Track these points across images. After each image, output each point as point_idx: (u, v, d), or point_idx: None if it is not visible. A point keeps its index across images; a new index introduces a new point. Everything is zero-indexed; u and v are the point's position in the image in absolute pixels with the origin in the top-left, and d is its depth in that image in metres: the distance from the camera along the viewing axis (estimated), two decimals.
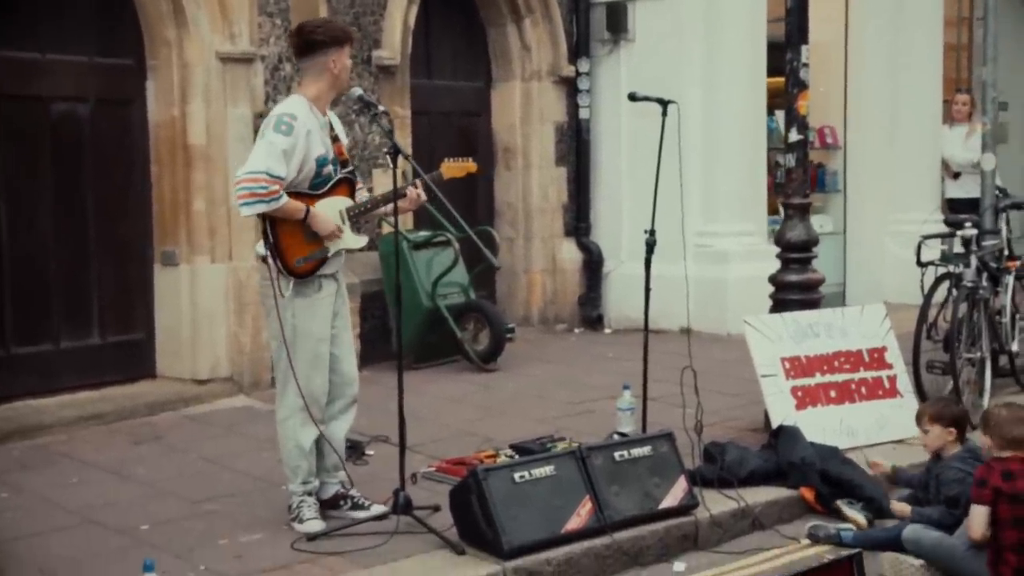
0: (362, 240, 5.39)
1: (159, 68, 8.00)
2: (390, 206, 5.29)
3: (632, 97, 6.24)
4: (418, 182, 5.32)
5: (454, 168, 5.49)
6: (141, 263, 8.10)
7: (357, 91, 5.22)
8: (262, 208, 4.94)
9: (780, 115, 11.28)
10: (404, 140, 9.19)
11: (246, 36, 8.06)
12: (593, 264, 10.85)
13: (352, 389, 5.43)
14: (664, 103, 6.04)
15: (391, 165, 5.06)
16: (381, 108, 5.24)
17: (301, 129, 5.00)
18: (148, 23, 7.97)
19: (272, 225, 5.04)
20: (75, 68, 7.73)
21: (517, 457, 5.93)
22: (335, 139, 5.25)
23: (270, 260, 5.04)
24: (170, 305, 8.09)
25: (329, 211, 5.14)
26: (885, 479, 5.86)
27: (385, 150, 5.22)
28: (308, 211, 5.04)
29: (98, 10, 7.85)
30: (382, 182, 9.08)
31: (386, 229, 8.65)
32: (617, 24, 10.54)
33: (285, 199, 4.96)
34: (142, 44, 8.01)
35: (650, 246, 6.16)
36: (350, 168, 5.31)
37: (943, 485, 5.29)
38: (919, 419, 5.56)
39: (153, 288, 8.15)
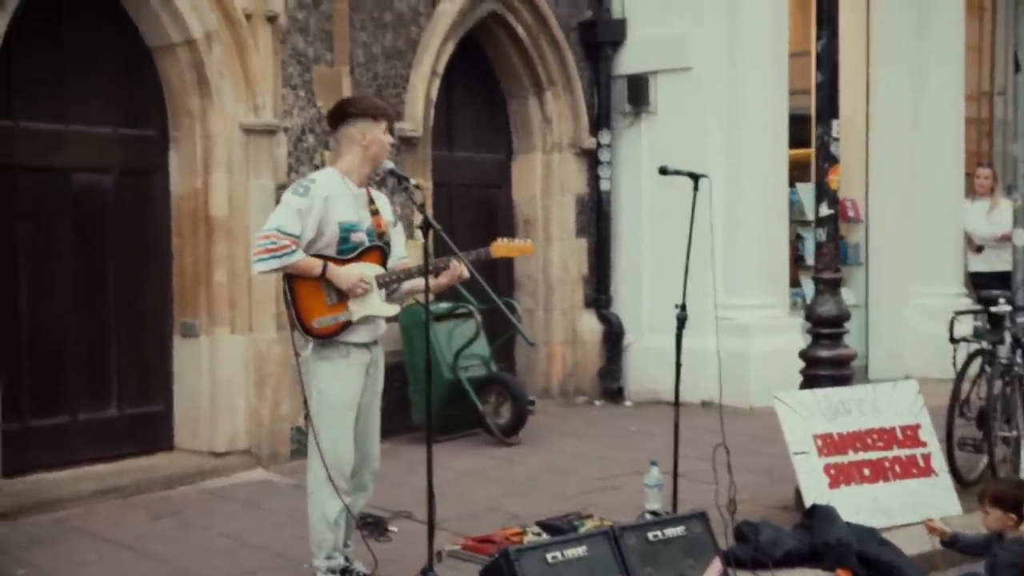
0: (393, 308, 5.29)
1: (182, 139, 7.99)
2: (421, 283, 5.20)
3: (663, 171, 6.18)
4: (461, 255, 5.23)
5: (506, 247, 5.35)
6: (161, 334, 8.03)
7: (389, 164, 5.21)
8: (274, 263, 4.92)
9: (802, 187, 11.33)
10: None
11: (270, 108, 8.06)
12: (613, 336, 10.77)
13: (372, 466, 5.37)
14: (695, 177, 5.98)
15: (423, 239, 4.99)
16: (412, 182, 5.22)
17: (319, 192, 5.01)
18: (172, 94, 7.97)
19: (291, 284, 5.01)
20: (99, 139, 7.72)
21: (545, 535, 5.81)
22: (375, 212, 5.21)
23: (289, 317, 5.01)
24: (189, 376, 8.01)
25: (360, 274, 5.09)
26: (942, 544, 5.68)
27: (418, 224, 5.19)
28: (326, 267, 4.99)
29: (122, 81, 7.86)
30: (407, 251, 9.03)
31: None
32: (639, 96, 10.56)
33: (299, 255, 4.94)
34: (165, 115, 8.02)
35: (681, 321, 6.06)
36: (386, 239, 5.26)
37: (999, 569, 5.14)
38: (980, 498, 5.42)
39: (172, 359, 8.06)
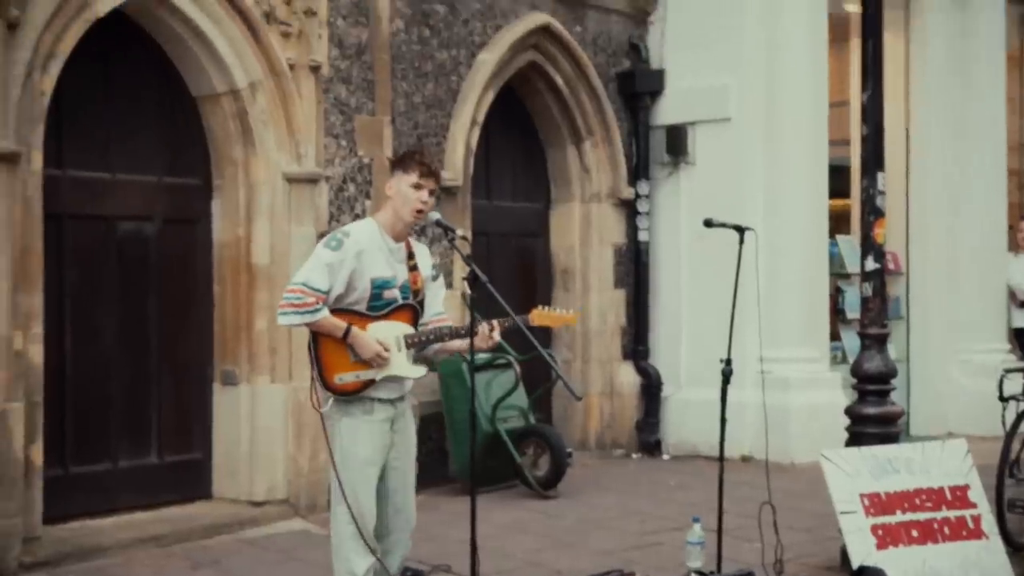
0: (419, 371, 5.10)
1: (225, 187, 8.04)
2: (453, 344, 5.11)
3: (708, 223, 6.15)
4: (495, 322, 5.12)
5: (548, 317, 5.15)
6: (201, 382, 8.04)
7: (435, 215, 5.09)
8: (297, 320, 4.83)
9: (842, 239, 11.27)
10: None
11: (312, 157, 8.10)
12: (652, 388, 10.69)
13: (409, 522, 5.20)
14: (741, 230, 5.94)
15: (469, 291, 4.91)
16: (459, 232, 5.14)
17: (352, 247, 4.88)
18: (216, 143, 8.03)
19: (315, 338, 4.92)
20: (143, 188, 7.79)
21: None
22: (413, 268, 5.11)
23: (312, 370, 4.91)
24: (228, 425, 8.00)
25: (386, 334, 4.95)
26: None
27: (463, 276, 5.09)
28: (349, 330, 4.86)
29: (167, 131, 7.93)
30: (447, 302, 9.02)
31: None
32: (677, 147, 10.55)
33: (323, 314, 4.82)
34: (209, 164, 8.08)
35: (727, 376, 5.99)
36: (420, 298, 5.09)
37: None
38: None
39: (212, 407, 8.07)
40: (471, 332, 4.94)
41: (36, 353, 6.75)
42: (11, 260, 6.56)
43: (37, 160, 6.80)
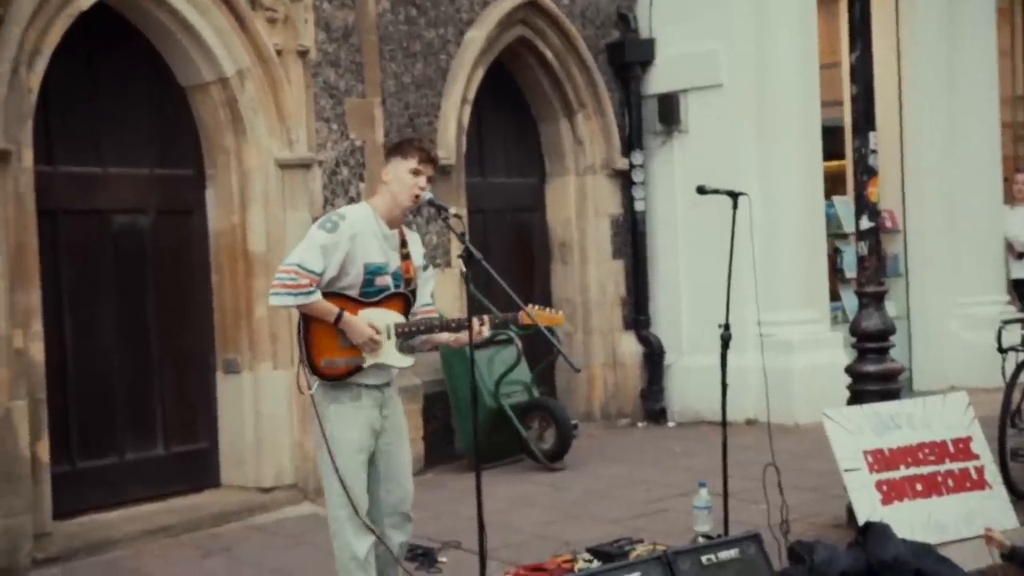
0: (407, 360, 5.08)
1: (218, 176, 8.04)
2: (441, 337, 5.11)
3: (701, 190, 6.15)
4: (485, 317, 5.11)
5: (538, 315, 5.05)
6: (203, 372, 8.06)
7: (428, 195, 5.06)
8: (290, 301, 4.79)
9: (838, 200, 11.27)
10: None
11: (304, 142, 8.10)
12: (654, 357, 10.72)
13: (406, 506, 5.15)
14: (735, 195, 5.95)
15: (463, 269, 4.90)
16: (452, 210, 5.10)
17: (347, 229, 4.85)
18: (207, 133, 8.03)
19: (307, 321, 4.88)
20: (136, 180, 7.78)
21: (596, 562, 5.76)
22: (406, 256, 5.10)
23: (300, 353, 4.88)
24: (233, 413, 8.03)
25: (377, 321, 4.93)
26: (1001, 558, 5.60)
27: (458, 254, 5.06)
28: (340, 315, 4.83)
29: (157, 122, 7.93)
30: (440, 281, 9.03)
31: None
32: (670, 116, 10.54)
33: (316, 297, 4.79)
34: (201, 154, 8.07)
35: (725, 341, 6.01)
36: (412, 287, 5.09)
37: None
38: None
39: (216, 396, 8.10)
40: (464, 323, 4.91)
41: (37, 350, 6.77)
42: (7, 258, 6.57)
43: (28, 157, 6.79)
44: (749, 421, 9.51)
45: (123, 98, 7.74)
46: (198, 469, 8.00)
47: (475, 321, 4.94)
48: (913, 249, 11.70)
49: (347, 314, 4.85)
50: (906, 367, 11.30)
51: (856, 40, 6.70)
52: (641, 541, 6.20)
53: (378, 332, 4.90)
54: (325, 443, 4.90)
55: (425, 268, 5.17)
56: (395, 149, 5.12)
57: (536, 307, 5.08)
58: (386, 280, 4.99)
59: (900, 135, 11.66)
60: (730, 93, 10.31)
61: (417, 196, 4.97)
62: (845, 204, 11.11)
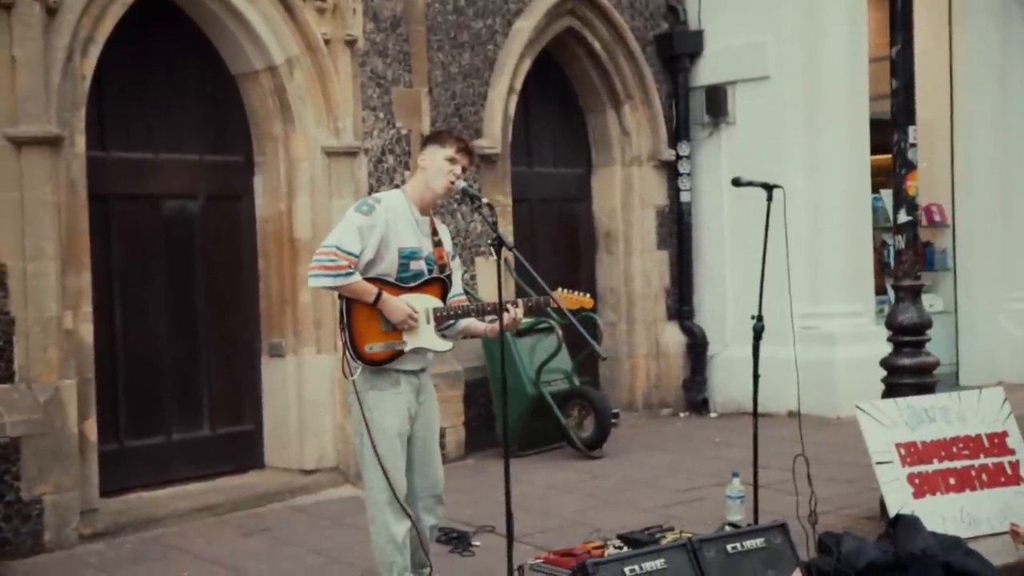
0: (446, 344, 5.19)
1: (266, 163, 8.19)
2: (477, 327, 5.23)
3: (736, 182, 6.17)
4: (520, 301, 5.20)
5: (567, 299, 5.19)
6: (249, 355, 8.23)
7: (461, 184, 5.16)
8: (328, 282, 4.87)
9: (885, 193, 11.21)
10: (505, 228, 9.27)
11: (350, 130, 8.22)
12: (697, 348, 10.76)
13: (437, 490, 5.28)
14: (769, 187, 5.96)
15: (494, 256, 4.98)
16: (484, 200, 5.19)
17: (383, 213, 4.96)
18: (256, 120, 8.18)
19: (348, 306, 4.97)
20: (186, 166, 7.95)
21: (626, 549, 5.82)
22: (438, 243, 5.21)
23: (342, 338, 4.97)
24: (277, 396, 8.19)
25: (416, 304, 5.03)
26: None
27: (489, 241, 5.13)
28: (379, 295, 4.92)
29: (208, 110, 8.09)
30: (484, 269, 9.16)
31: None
32: (717, 107, 10.55)
33: (355, 277, 4.87)
34: (250, 141, 8.23)
35: (758, 332, 6.04)
36: (447, 272, 5.20)
37: None
38: None
39: (261, 379, 8.26)
40: (499, 292, 4.99)
41: (87, 332, 6.96)
42: (59, 242, 6.76)
43: (80, 143, 6.97)
44: (791, 413, 9.46)
45: (175, 85, 7.90)
46: (242, 450, 8.17)
47: (509, 305, 5.04)
48: (962, 243, 11.61)
49: (385, 293, 4.95)
50: (953, 362, 11.38)
51: (897, 34, 6.70)
52: (672, 529, 6.24)
53: (415, 311, 5.00)
54: (366, 429, 5.01)
55: (453, 258, 5.27)
56: (433, 137, 5.25)
57: (565, 291, 5.18)
58: (420, 265, 5.10)
59: (951, 129, 11.58)
60: (778, 85, 10.31)
61: (451, 183, 5.07)
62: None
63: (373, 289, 4.93)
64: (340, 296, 5.01)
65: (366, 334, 4.98)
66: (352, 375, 5.00)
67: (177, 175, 7.90)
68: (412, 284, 5.07)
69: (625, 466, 8.46)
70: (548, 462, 8.63)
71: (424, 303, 5.07)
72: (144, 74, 7.74)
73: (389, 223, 4.99)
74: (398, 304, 4.96)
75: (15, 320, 6.61)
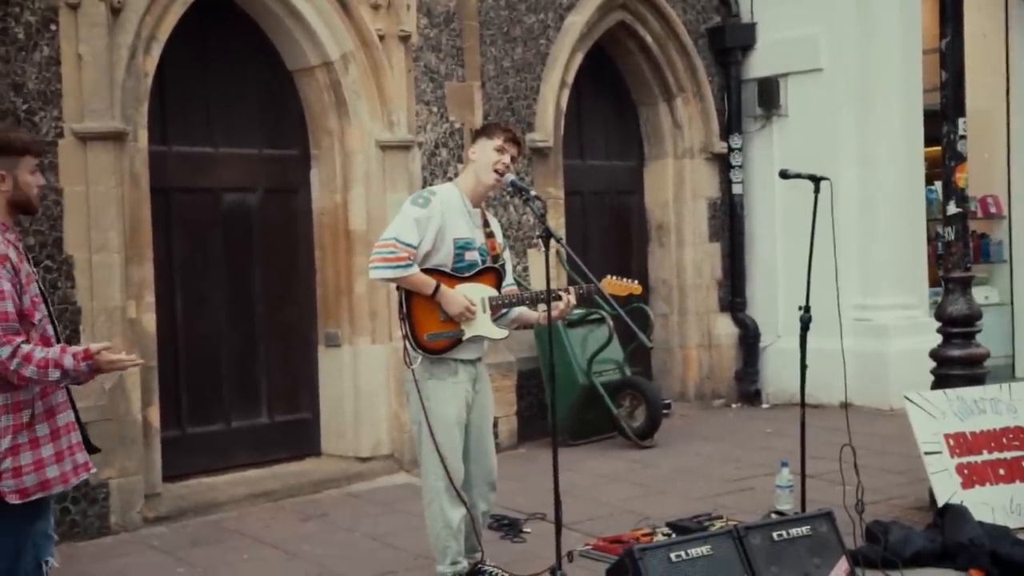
0: (502, 332, 5.31)
1: (322, 157, 8.35)
2: (531, 316, 5.34)
3: (784, 175, 6.23)
4: (571, 289, 5.30)
5: (616, 286, 5.33)
6: (306, 345, 8.39)
7: (510, 177, 5.26)
8: (389, 273, 4.99)
9: (940, 185, 11.15)
10: (557, 220, 9.36)
11: (404, 124, 8.35)
12: (749, 339, 10.79)
13: (492, 477, 5.40)
14: (816, 179, 6.01)
15: (544, 248, 5.07)
16: (533, 192, 5.26)
17: (438, 204, 5.08)
18: (312, 115, 8.34)
19: (408, 297, 5.08)
20: (245, 160, 8.13)
21: (674, 536, 5.91)
22: (490, 235, 5.32)
23: (402, 328, 5.08)
24: (333, 385, 8.35)
25: (472, 295, 5.15)
26: None
27: (538, 233, 5.22)
28: (438, 287, 5.04)
29: (266, 105, 8.26)
30: (536, 261, 9.25)
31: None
32: (770, 100, 10.56)
33: (414, 269, 4.99)
34: (306, 135, 8.38)
35: (805, 323, 6.09)
36: (500, 262, 5.31)
37: None
38: None
39: (317, 369, 8.42)
40: (552, 294, 5.07)
41: (149, 321, 7.15)
42: (123, 233, 6.95)
43: (143, 138, 7.17)
44: (843, 404, 9.49)
45: (233, 81, 8.08)
46: (300, 438, 8.35)
47: (561, 292, 5.19)
48: (1018, 235, 11.52)
49: (444, 286, 5.07)
50: (1009, 354, 11.29)
51: (947, 25, 6.71)
52: (720, 517, 6.33)
53: (472, 304, 5.11)
54: (425, 417, 5.12)
55: (504, 249, 5.38)
56: (482, 131, 5.39)
57: (614, 277, 5.28)
58: (474, 255, 5.22)
59: (1007, 121, 11.47)
60: (830, 77, 10.31)
61: (499, 172, 5.17)
62: None
63: (432, 281, 5.05)
64: (398, 288, 5.13)
65: (425, 324, 5.10)
66: (412, 364, 5.11)
67: (236, 169, 8.08)
68: (467, 274, 5.19)
69: (675, 456, 8.53)
70: (599, 451, 8.73)
71: (479, 292, 5.19)
72: (204, 70, 7.92)
73: (444, 214, 5.10)
74: (456, 296, 5.08)
75: (81, 310, 6.82)
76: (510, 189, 5.43)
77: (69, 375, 3.74)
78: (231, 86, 8.06)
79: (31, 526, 3.87)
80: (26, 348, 3.70)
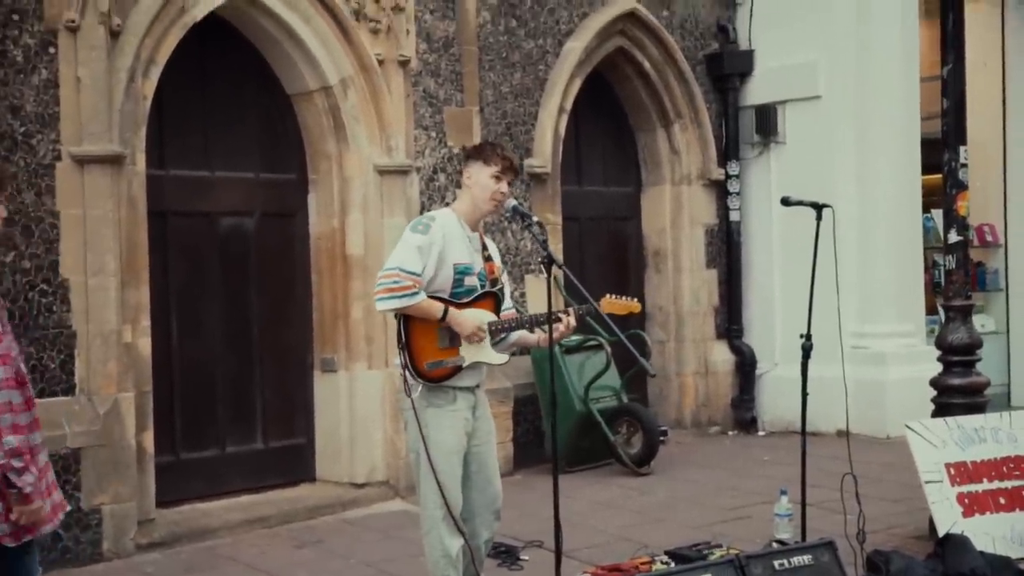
0: (502, 357, 5.23)
1: (320, 182, 8.33)
2: (530, 339, 5.29)
3: (785, 202, 6.21)
4: (571, 310, 5.25)
5: (615, 305, 5.25)
6: (302, 370, 8.35)
7: (512, 202, 5.21)
8: (395, 304, 4.88)
9: (936, 213, 11.16)
10: (555, 246, 9.34)
11: (402, 149, 8.34)
12: (746, 366, 10.76)
13: (496, 505, 5.30)
14: (819, 207, 5.99)
15: (545, 273, 5.02)
16: (535, 218, 5.22)
17: (439, 230, 5.00)
18: (310, 139, 8.32)
19: (407, 325, 4.98)
20: (242, 184, 8.11)
21: (673, 565, 5.86)
22: (488, 259, 5.27)
23: (401, 358, 4.98)
24: (329, 410, 8.30)
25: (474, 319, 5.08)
26: None
27: (539, 259, 5.15)
28: (447, 311, 4.95)
29: (264, 129, 8.24)
30: (533, 287, 9.23)
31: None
32: (767, 127, 10.58)
33: (421, 296, 4.90)
34: (304, 159, 8.37)
35: (806, 351, 6.06)
36: (499, 286, 5.24)
37: None
38: None
39: (313, 394, 8.38)
40: (552, 317, 5.00)
41: (144, 345, 7.10)
42: (119, 257, 6.91)
43: (141, 161, 7.15)
44: (840, 432, 9.46)
45: (232, 105, 8.06)
46: (295, 463, 8.29)
47: (560, 314, 5.11)
48: (1014, 263, 11.53)
49: (452, 309, 4.98)
50: (1004, 382, 11.28)
51: (948, 53, 6.72)
52: (720, 546, 6.29)
53: (483, 325, 5.04)
54: (424, 446, 5.03)
55: (503, 273, 5.33)
56: (476, 153, 5.26)
57: (613, 296, 5.23)
58: (473, 280, 5.14)
59: (1004, 149, 11.51)
60: (828, 105, 10.32)
61: (498, 202, 5.13)
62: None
63: (440, 305, 4.95)
64: (396, 316, 5.07)
65: (425, 352, 5.00)
66: (412, 394, 5.05)
67: (233, 192, 8.05)
68: (466, 299, 5.13)
69: (673, 483, 8.49)
70: (596, 478, 8.68)
71: (481, 317, 5.12)
72: (202, 94, 7.91)
73: (445, 240, 5.04)
74: (467, 318, 5.00)
75: (77, 334, 6.78)
76: (510, 215, 5.37)
77: None
78: (229, 110, 8.04)
79: (21, 566, 3.90)
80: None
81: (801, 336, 6.12)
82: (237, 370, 8.04)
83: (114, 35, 6.94)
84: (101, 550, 6.73)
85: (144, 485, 7.02)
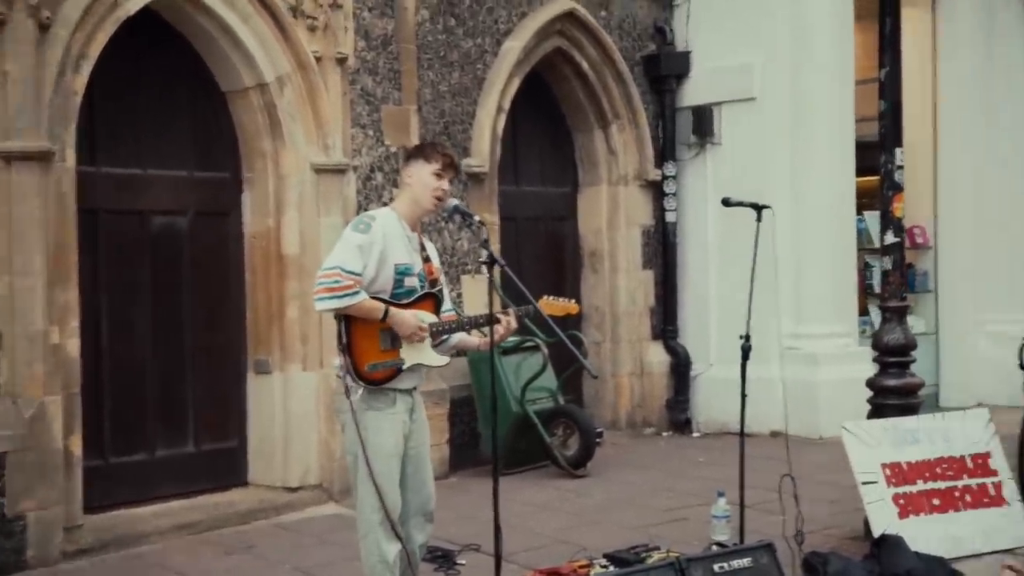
0: (443, 359, 5.17)
1: (255, 180, 8.20)
2: (471, 342, 5.24)
3: (726, 202, 6.23)
4: (511, 311, 5.20)
5: (553, 306, 5.20)
6: (235, 371, 8.22)
7: (453, 202, 5.14)
8: (335, 304, 4.79)
9: (869, 215, 11.30)
10: (492, 246, 9.26)
11: (339, 148, 8.24)
12: (681, 367, 10.79)
13: (429, 507, 5.23)
14: (759, 208, 6.01)
15: (487, 275, 4.96)
16: (477, 218, 5.17)
17: (379, 229, 4.92)
18: (245, 137, 8.19)
19: (347, 326, 4.89)
20: (175, 182, 7.95)
21: (612, 568, 5.84)
22: (427, 259, 5.20)
23: (341, 360, 4.90)
24: (262, 413, 8.18)
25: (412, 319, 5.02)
26: None
27: (481, 259, 5.09)
28: (387, 311, 4.87)
29: (198, 127, 8.10)
30: (469, 287, 9.18)
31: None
32: (703, 128, 10.62)
33: (362, 296, 4.81)
34: (238, 158, 8.24)
35: (745, 351, 6.09)
36: (439, 287, 5.18)
37: None
38: None
39: (246, 396, 8.25)
40: (492, 319, 4.98)
41: (73, 347, 6.92)
42: (47, 256, 6.73)
43: (71, 157, 6.96)
44: (774, 433, 9.54)
45: (165, 102, 7.91)
46: (226, 468, 8.15)
47: (501, 316, 5.05)
48: (944, 265, 11.70)
49: (393, 308, 4.90)
50: (934, 383, 11.44)
51: (885, 56, 6.77)
52: (658, 548, 6.28)
53: (424, 323, 4.96)
54: (362, 449, 4.93)
55: (440, 274, 5.27)
56: (417, 152, 5.20)
57: (550, 298, 5.19)
58: (413, 281, 5.06)
59: (934, 152, 11.67)
60: (764, 106, 10.39)
61: (439, 199, 5.06)
62: (876, 219, 11.11)
63: (380, 305, 4.87)
64: (336, 316, 4.97)
65: (366, 354, 4.91)
66: (352, 396, 4.96)
67: (166, 191, 7.90)
68: (405, 301, 5.06)
69: (609, 485, 8.48)
70: (532, 481, 8.64)
71: (421, 318, 5.05)
72: (135, 90, 7.75)
73: (385, 239, 4.97)
74: (408, 317, 4.92)
75: (2, 335, 6.59)
76: (450, 214, 5.31)
77: None
78: (162, 106, 7.89)
79: None
80: None
81: (741, 337, 6.14)
82: (169, 372, 7.89)
83: (44, 28, 6.76)
84: (25, 557, 6.54)
85: (71, 490, 6.84)
